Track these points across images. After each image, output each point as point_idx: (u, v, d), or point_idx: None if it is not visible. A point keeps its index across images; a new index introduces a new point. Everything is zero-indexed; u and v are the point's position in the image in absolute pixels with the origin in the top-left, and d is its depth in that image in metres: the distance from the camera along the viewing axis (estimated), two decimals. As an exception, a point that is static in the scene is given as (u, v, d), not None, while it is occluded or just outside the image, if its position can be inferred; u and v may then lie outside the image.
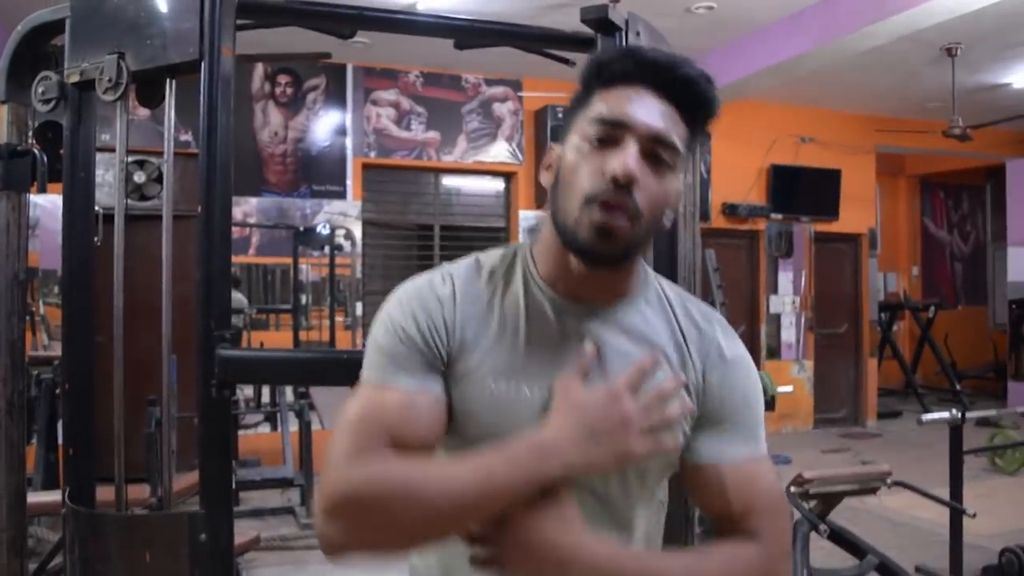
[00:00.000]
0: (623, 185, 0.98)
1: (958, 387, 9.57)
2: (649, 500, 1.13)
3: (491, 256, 1.14)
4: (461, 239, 7.26)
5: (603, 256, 1.02)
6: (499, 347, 1.05)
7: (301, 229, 6.68)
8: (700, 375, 1.09)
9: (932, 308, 10.26)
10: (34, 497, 3.08)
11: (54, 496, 2.26)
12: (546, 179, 1.09)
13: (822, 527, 3.47)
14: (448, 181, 7.48)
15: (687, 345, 1.10)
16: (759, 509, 1.06)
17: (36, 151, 2.02)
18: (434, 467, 0.98)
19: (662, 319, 1.12)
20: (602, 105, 1.03)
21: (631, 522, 1.10)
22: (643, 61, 1.03)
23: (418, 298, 1.07)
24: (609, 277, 1.08)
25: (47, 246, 5.77)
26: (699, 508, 1.12)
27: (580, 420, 0.96)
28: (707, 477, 1.07)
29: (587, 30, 2.07)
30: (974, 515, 3.99)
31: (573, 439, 0.95)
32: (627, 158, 0.99)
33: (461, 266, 1.12)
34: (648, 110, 1.01)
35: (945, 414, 4.36)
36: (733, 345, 1.12)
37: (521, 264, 1.11)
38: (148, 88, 1.87)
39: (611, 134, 1.01)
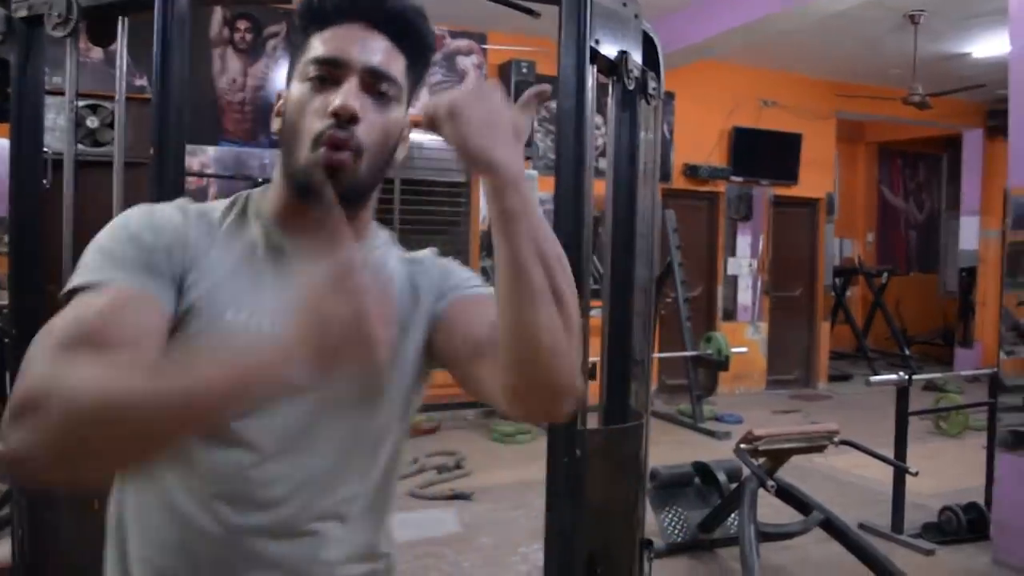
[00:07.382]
0: (344, 121, 0.99)
1: (907, 352, 9.80)
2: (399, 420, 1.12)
3: (218, 202, 1.11)
4: (421, 193, 7.20)
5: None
6: (235, 281, 1.02)
7: (260, 180, 6.58)
8: (432, 297, 1.12)
9: (885, 274, 10.46)
10: (-19, 444, 3.04)
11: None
12: (276, 125, 1.09)
13: (769, 483, 3.55)
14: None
15: (417, 278, 1.13)
16: None
17: (-19, 89, 1.96)
18: (143, 372, 0.83)
19: (393, 257, 1.16)
20: (319, 46, 1.03)
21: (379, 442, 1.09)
22: None
23: (149, 209, 1.04)
24: None
25: (-4, 190, 5.63)
26: (462, 344, 1.07)
27: (321, 338, 0.81)
28: (459, 311, 1.09)
29: (552, -18, 2.05)
30: (916, 474, 4.11)
31: (306, 355, 0.81)
32: (345, 95, 1.00)
33: (188, 202, 1.09)
34: (363, 46, 1.03)
35: (893, 376, 4.48)
36: (440, 259, 1.18)
37: (253, 207, 1.09)
38: (99, 26, 1.82)
39: (331, 73, 1.02)
